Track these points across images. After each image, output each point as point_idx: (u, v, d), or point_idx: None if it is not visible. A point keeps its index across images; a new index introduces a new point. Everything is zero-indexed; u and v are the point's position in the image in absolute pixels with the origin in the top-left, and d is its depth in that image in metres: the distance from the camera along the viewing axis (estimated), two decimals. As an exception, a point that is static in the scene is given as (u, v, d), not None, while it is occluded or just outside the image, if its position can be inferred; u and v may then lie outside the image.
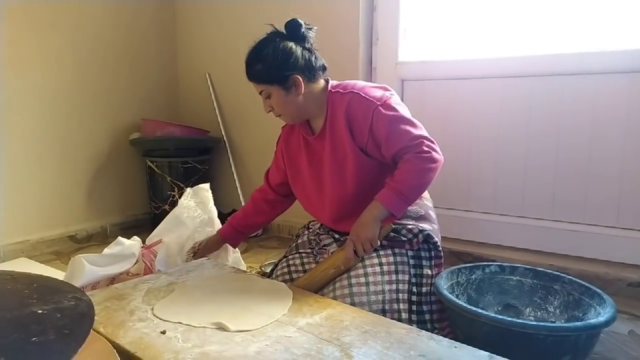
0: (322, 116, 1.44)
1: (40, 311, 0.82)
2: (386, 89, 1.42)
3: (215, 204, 1.97)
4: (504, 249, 2.12)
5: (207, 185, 1.90)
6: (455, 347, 1.00)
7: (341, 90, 1.41)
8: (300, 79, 1.37)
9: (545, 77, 1.97)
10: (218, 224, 1.81)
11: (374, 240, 1.33)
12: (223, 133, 2.88)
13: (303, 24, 1.39)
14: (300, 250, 1.55)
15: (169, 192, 2.71)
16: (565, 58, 1.92)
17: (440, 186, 2.23)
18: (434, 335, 1.06)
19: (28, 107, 2.41)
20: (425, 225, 1.43)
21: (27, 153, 2.42)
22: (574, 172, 1.96)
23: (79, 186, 2.66)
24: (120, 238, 1.76)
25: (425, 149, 1.30)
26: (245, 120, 2.83)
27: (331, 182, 1.44)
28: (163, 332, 1.07)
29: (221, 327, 1.08)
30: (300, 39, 1.38)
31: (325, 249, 1.50)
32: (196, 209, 1.82)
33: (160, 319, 1.13)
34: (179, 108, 3.12)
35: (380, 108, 1.34)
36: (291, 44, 1.36)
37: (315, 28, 1.42)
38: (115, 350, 0.90)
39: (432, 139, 1.34)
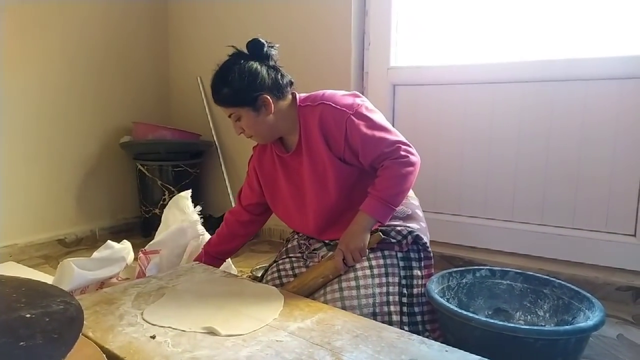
0: (295, 132, 1.44)
1: (28, 315, 0.81)
2: (356, 96, 1.42)
3: (206, 208, 1.97)
4: (494, 253, 2.13)
5: (185, 194, 1.90)
6: (447, 351, 1.00)
7: (310, 104, 1.41)
8: (269, 98, 1.36)
9: (536, 82, 1.99)
10: (201, 231, 1.80)
11: (363, 250, 1.34)
12: (214, 137, 2.87)
13: (265, 42, 1.38)
14: (290, 255, 1.55)
15: (159, 196, 2.69)
16: (555, 64, 1.94)
17: (431, 191, 2.25)
18: (426, 340, 1.06)
19: (17, 109, 2.38)
20: (413, 225, 1.44)
21: (16, 156, 2.40)
22: (563, 177, 1.98)
23: (69, 189, 2.63)
24: (109, 242, 1.75)
25: (403, 153, 1.33)
26: (236, 124, 2.83)
27: (314, 195, 1.44)
28: (153, 337, 1.06)
29: (212, 332, 1.07)
30: (264, 58, 1.38)
31: (316, 253, 1.50)
32: (181, 216, 1.82)
33: (150, 324, 1.12)
34: (170, 111, 3.11)
35: (353, 117, 1.34)
36: (256, 65, 1.36)
37: (277, 45, 1.41)
38: (104, 355, 0.90)
39: (407, 142, 1.36)
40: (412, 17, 2.26)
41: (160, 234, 1.80)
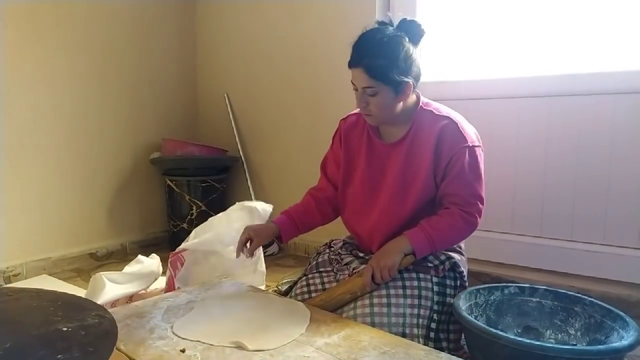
0: (404, 127, 1.41)
1: (65, 328, 0.84)
2: (478, 137, 1.42)
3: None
4: (522, 269, 2.09)
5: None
6: (475, 369, 0.99)
7: (434, 111, 1.40)
8: (412, 85, 1.34)
9: (563, 97, 1.96)
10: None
11: (393, 269, 1.32)
12: (241, 152, 2.91)
13: (425, 30, 1.35)
14: (321, 269, 1.53)
15: (187, 211, 2.74)
16: (582, 78, 1.91)
17: (457, 206, 2.23)
18: (453, 357, 1.05)
19: (52, 125, 2.47)
20: (454, 255, 1.42)
21: (50, 171, 2.48)
22: (593, 192, 1.94)
23: (100, 204, 2.71)
24: (140, 256, 1.80)
25: (474, 212, 1.35)
26: (262, 140, 2.87)
27: (390, 196, 1.41)
28: (182, 351, 1.08)
29: (240, 346, 1.09)
30: (417, 44, 1.35)
31: (347, 267, 1.47)
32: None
33: (180, 337, 1.14)
34: (198, 128, 3.18)
35: (467, 149, 1.34)
36: (413, 48, 1.33)
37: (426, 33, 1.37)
38: (136, 368, 0.92)
39: (484, 203, 1.38)
40: (436, 32, 2.26)
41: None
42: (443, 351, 1.30)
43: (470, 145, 1.34)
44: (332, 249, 1.57)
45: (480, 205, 1.35)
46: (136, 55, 2.81)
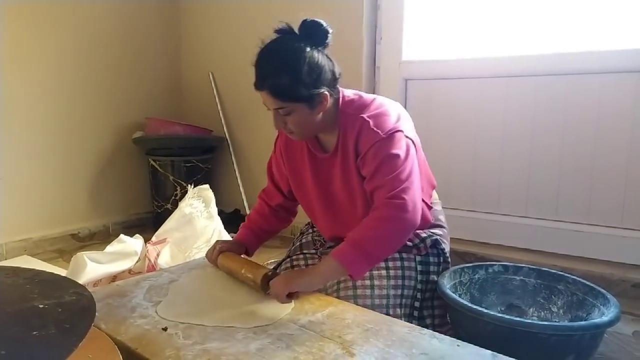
0: (332, 133, 1.30)
1: (41, 305, 0.82)
2: (400, 117, 1.27)
3: (217, 203, 1.97)
4: (507, 249, 2.10)
5: (207, 186, 1.91)
6: (458, 345, 0.99)
7: (352, 112, 1.27)
8: (328, 95, 1.21)
9: (550, 76, 1.96)
10: (219, 222, 1.80)
11: (291, 296, 1.15)
12: (226, 132, 2.88)
13: (330, 29, 1.21)
14: (305, 251, 1.52)
15: (171, 191, 2.71)
16: (570, 57, 1.91)
17: (443, 186, 2.22)
18: (437, 334, 1.05)
19: (30, 105, 2.41)
20: (436, 231, 1.39)
21: (30, 151, 2.43)
22: (578, 172, 1.95)
23: (82, 184, 2.66)
24: (122, 236, 1.77)
25: (402, 196, 1.15)
26: (248, 120, 2.83)
27: (343, 203, 1.35)
28: (164, 329, 1.06)
29: (228, 326, 1.07)
30: (322, 45, 1.22)
31: (330, 250, 1.45)
32: (201, 208, 1.83)
33: (163, 318, 1.12)
34: (182, 107, 3.13)
35: (382, 141, 1.21)
36: (318, 54, 1.19)
37: (332, 31, 1.23)
38: (116, 346, 0.90)
39: (413, 185, 1.19)
40: (425, 10, 2.24)
41: (165, 223, 1.81)
42: (427, 327, 1.31)
43: (384, 135, 1.20)
44: (315, 229, 1.55)
45: (406, 186, 1.17)
46: (118, 33, 2.74)
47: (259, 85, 1.19)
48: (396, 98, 2.28)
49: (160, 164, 2.71)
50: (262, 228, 1.52)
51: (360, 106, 1.28)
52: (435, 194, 1.47)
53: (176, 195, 2.68)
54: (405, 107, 2.28)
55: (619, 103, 1.84)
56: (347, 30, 2.33)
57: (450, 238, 1.48)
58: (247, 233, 1.50)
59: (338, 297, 1.30)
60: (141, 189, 2.90)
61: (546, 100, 1.98)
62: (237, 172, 2.85)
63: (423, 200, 1.32)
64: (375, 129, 1.22)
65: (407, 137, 1.23)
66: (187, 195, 1.90)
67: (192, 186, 1.97)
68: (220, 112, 2.88)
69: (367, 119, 1.24)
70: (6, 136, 2.33)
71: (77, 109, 2.59)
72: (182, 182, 2.69)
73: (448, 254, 1.40)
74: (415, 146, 1.27)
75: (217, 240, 1.52)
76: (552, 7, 1.94)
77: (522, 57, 2.01)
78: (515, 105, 2.05)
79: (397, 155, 1.19)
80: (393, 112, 1.28)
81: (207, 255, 1.48)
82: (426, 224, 1.37)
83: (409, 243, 1.34)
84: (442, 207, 1.48)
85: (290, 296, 1.15)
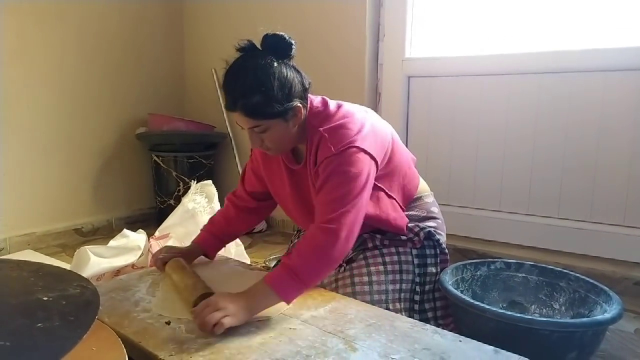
0: (304, 144, 1.29)
1: (45, 298, 0.83)
2: (360, 130, 1.22)
3: (219, 199, 1.98)
4: (510, 246, 2.10)
5: (210, 182, 1.92)
6: (460, 340, 1.00)
7: (316, 124, 1.25)
8: (301, 106, 1.20)
9: (553, 73, 1.96)
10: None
11: (221, 326, 1.01)
12: (228, 128, 2.88)
13: (292, 41, 1.20)
14: None
15: (174, 187, 2.71)
16: (573, 55, 1.90)
17: (445, 183, 2.23)
18: (439, 329, 1.05)
19: (35, 100, 2.41)
20: (429, 223, 1.40)
21: (34, 146, 2.43)
22: (581, 170, 1.95)
23: (86, 180, 2.67)
24: (125, 230, 1.77)
25: (338, 219, 1.12)
26: (251, 116, 2.83)
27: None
28: (168, 323, 1.07)
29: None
30: (287, 58, 1.20)
31: None
32: (204, 203, 1.83)
33: (162, 315, 1.12)
34: (185, 103, 3.13)
35: (331, 157, 1.18)
36: (285, 68, 1.18)
37: (296, 42, 1.22)
38: (119, 339, 0.91)
39: (355, 206, 1.14)
40: (427, 8, 2.24)
41: (168, 219, 1.81)
42: (429, 321, 1.31)
43: (335, 152, 1.18)
44: None
45: (346, 210, 1.13)
46: (122, 29, 2.74)
47: (230, 106, 1.18)
48: (399, 96, 2.31)
49: (163, 159, 2.72)
50: (225, 232, 1.50)
51: (324, 118, 1.25)
52: (426, 186, 1.47)
53: (179, 190, 2.68)
54: (408, 105, 2.32)
55: (622, 101, 1.84)
56: (349, 28, 2.33)
57: (453, 235, 1.48)
58: (207, 237, 1.49)
59: (336, 294, 1.30)
60: (144, 184, 2.91)
61: (549, 97, 1.98)
62: (239, 168, 2.85)
63: (397, 201, 1.35)
64: (328, 144, 1.20)
65: (364, 150, 1.19)
66: (190, 190, 1.90)
67: (195, 182, 1.97)
68: (223, 108, 2.88)
69: (324, 133, 1.21)
70: (10, 131, 2.34)
71: (80, 104, 2.59)
72: (185, 178, 2.70)
73: (444, 245, 1.40)
74: (375, 161, 1.23)
75: (165, 247, 1.47)
76: (556, 4, 1.94)
77: (525, 55, 2.01)
78: (518, 102, 2.05)
79: (345, 173, 1.16)
80: (355, 123, 1.23)
81: (152, 260, 1.43)
82: (407, 221, 1.36)
83: (402, 237, 1.34)
84: (444, 204, 1.48)
85: (219, 326, 1.01)
